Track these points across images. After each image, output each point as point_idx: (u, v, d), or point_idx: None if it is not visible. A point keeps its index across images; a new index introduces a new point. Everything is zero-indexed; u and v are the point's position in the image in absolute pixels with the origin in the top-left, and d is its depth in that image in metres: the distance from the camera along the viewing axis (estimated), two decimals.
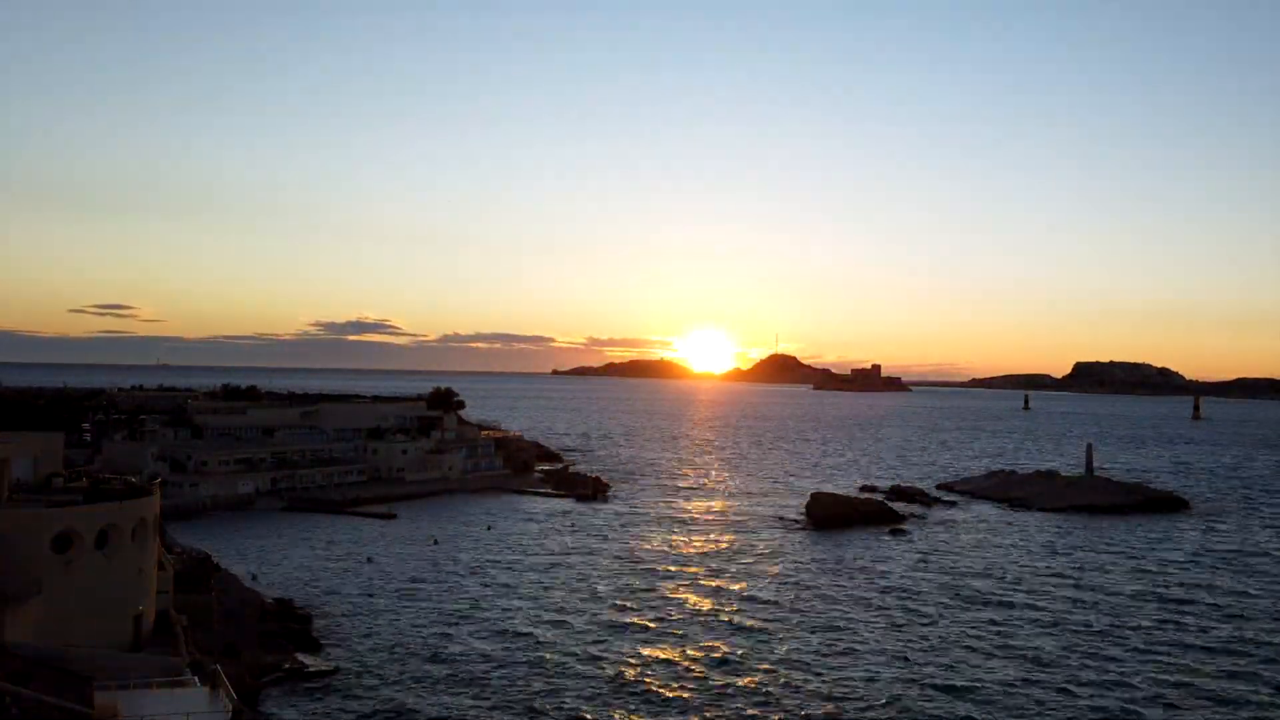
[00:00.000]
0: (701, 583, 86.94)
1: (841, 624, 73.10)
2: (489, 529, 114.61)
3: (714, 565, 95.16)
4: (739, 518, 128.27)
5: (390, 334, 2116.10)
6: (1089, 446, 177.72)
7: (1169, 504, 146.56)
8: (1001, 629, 72.62)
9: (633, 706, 54.42)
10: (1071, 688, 58.99)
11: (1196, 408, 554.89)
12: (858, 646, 66.99)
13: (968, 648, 67.28)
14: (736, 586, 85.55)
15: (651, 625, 71.86)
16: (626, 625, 71.63)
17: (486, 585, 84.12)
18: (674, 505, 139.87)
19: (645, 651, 64.86)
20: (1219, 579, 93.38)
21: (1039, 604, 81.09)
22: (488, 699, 55.10)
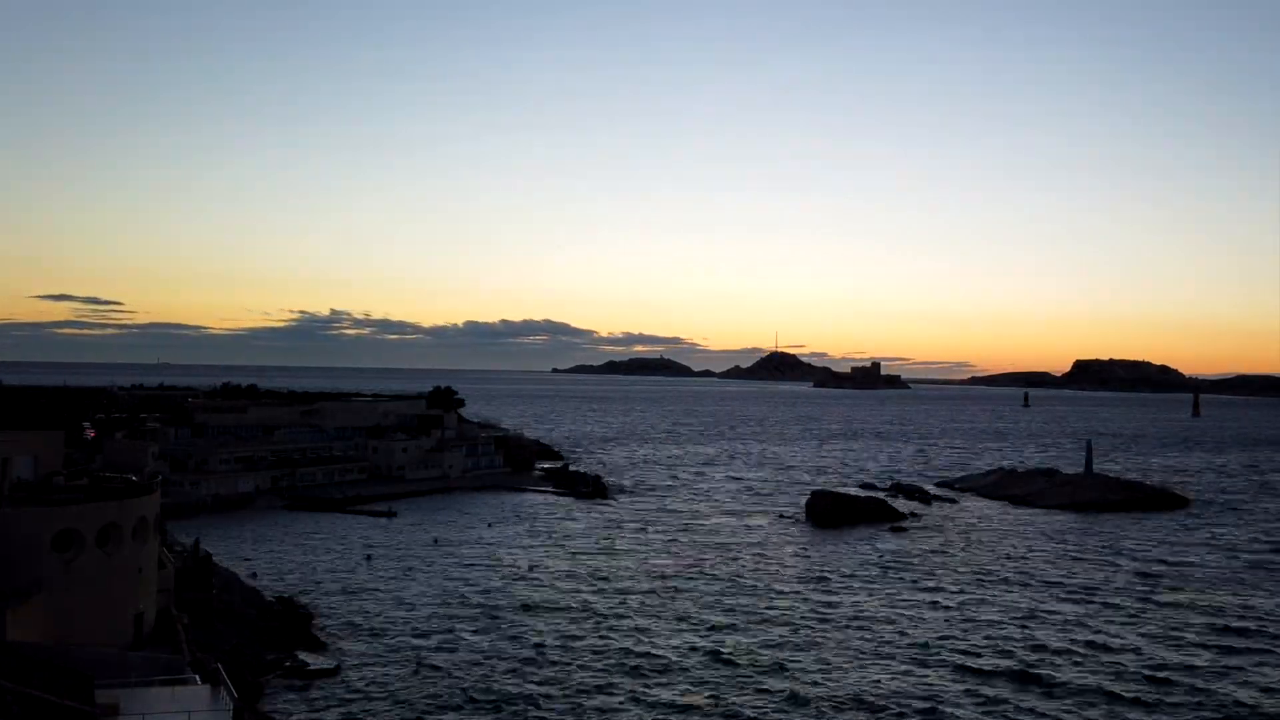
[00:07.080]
0: (701, 580, 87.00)
1: (841, 622, 73.23)
2: (489, 527, 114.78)
3: (714, 562, 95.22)
4: (739, 515, 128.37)
5: (364, 330, 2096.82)
6: (1089, 444, 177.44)
7: (1169, 501, 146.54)
8: (1002, 626, 72.73)
9: (633, 704, 54.52)
10: (1071, 684, 59.06)
11: (1196, 405, 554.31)
12: (857, 644, 67.11)
13: (968, 645, 67.39)
14: (736, 584, 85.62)
15: (651, 624, 71.93)
16: (626, 623, 71.73)
17: (486, 583, 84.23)
18: (674, 502, 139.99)
19: (646, 649, 64.95)
20: (1218, 576, 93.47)
21: (1038, 602, 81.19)
22: (488, 697, 55.21)
